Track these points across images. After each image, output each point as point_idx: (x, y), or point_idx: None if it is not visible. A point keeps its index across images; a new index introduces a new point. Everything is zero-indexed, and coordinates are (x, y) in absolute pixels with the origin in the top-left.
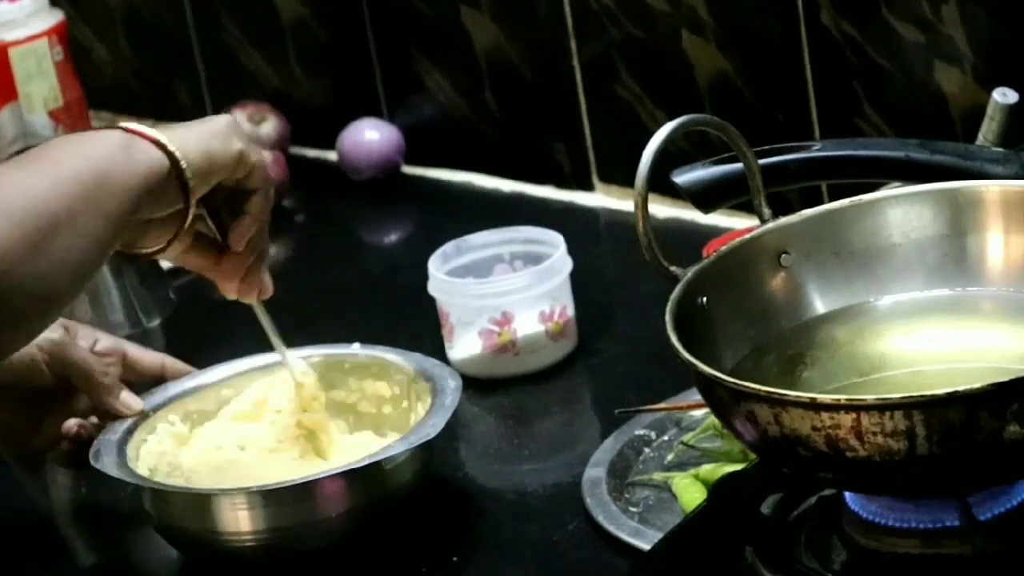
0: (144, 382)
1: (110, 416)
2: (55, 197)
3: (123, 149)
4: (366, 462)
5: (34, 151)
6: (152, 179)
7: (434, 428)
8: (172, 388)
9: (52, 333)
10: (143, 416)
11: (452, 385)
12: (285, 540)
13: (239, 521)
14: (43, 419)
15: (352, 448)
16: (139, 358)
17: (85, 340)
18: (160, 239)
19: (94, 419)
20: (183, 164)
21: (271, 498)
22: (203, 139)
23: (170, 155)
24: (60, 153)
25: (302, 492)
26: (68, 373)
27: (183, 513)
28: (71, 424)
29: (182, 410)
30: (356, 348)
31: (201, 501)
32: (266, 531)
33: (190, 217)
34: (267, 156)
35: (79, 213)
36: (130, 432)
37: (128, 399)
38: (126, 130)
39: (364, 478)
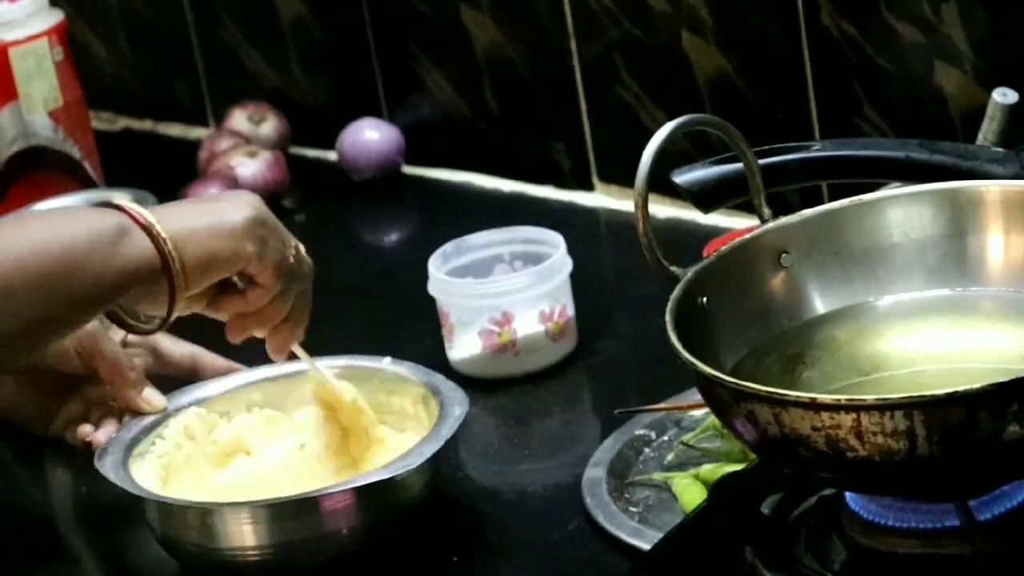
0: (177, 375)
1: (132, 411)
2: (17, 269)
3: (110, 238)
4: (368, 480)
5: (24, 215)
6: (136, 275)
7: (419, 457)
8: (199, 390)
9: None
10: (164, 414)
11: (456, 413)
12: (288, 555)
13: (244, 536)
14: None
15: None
16: (170, 350)
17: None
18: (150, 320)
19: (108, 429)
20: (175, 266)
21: (274, 512)
22: (210, 237)
23: (163, 254)
24: (38, 226)
25: (306, 507)
26: (96, 364)
27: (186, 526)
28: (86, 431)
29: (203, 411)
30: (387, 362)
31: (204, 514)
32: (270, 546)
33: (174, 315)
34: (290, 252)
35: (36, 289)
36: (146, 432)
37: (151, 396)
38: (127, 213)
39: (367, 495)
